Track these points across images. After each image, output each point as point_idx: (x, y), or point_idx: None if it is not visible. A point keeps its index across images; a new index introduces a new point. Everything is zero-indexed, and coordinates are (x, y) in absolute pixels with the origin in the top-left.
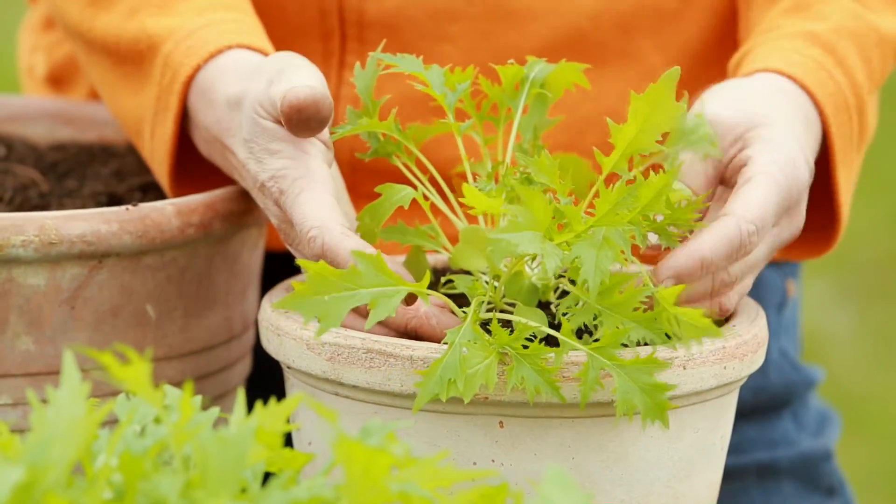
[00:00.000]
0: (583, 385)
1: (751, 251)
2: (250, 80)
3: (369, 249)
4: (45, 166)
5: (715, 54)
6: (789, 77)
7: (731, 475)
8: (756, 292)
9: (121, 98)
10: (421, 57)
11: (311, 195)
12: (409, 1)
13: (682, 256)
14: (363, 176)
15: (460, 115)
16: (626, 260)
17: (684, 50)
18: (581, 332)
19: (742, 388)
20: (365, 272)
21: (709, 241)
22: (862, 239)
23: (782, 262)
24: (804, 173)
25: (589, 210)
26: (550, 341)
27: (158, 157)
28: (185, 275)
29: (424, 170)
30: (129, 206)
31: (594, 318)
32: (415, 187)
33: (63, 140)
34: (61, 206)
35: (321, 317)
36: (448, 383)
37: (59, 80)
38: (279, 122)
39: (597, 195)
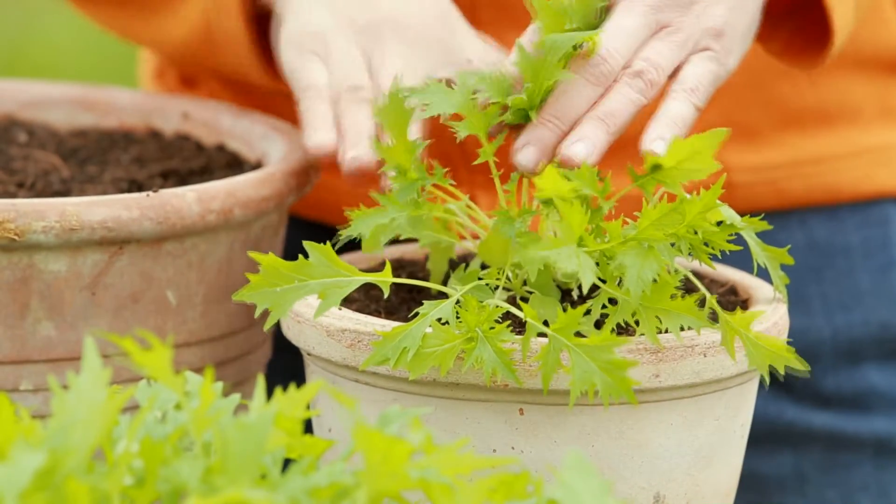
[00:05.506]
0: (543, 367)
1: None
2: None
3: None
4: (66, 152)
5: (762, 66)
6: None
7: (847, 445)
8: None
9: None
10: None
11: None
12: None
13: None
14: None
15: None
16: (668, 272)
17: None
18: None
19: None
20: (316, 263)
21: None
22: None
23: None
24: None
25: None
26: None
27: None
28: (205, 261)
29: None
30: (150, 193)
31: (633, 315)
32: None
33: (84, 126)
34: (82, 192)
35: (272, 307)
36: (401, 353)
37: (189, 80)
38: None
39: (625, 200)
